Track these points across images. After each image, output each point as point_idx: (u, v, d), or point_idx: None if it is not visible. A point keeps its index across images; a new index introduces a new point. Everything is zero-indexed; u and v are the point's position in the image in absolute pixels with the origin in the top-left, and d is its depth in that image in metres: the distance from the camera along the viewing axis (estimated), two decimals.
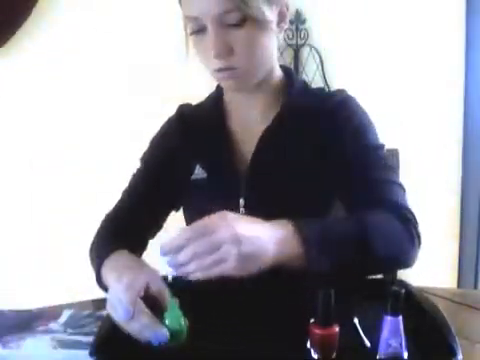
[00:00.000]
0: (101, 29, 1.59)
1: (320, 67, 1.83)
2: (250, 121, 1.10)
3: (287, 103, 1.07)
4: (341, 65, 1.69)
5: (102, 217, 1.07)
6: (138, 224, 1.08)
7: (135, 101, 1.63)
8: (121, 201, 1.11)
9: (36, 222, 1.64)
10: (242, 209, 1.05)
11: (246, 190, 1.05)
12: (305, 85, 1.13)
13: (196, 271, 0.78)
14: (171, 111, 1.17)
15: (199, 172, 1.08)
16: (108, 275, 0.89)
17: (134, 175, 1.14)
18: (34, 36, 1.54)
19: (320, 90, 1.15)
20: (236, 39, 0.96)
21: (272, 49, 1.03)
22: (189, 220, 1.14)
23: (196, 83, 1.37)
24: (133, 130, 1.61)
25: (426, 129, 1.86)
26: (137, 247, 1.03)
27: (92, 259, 1.01)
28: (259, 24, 0.97)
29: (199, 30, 0.97)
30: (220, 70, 0.99)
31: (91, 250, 1.03)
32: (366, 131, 1.07)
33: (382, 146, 1.07)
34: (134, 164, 1.12)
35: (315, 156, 1.05)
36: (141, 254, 1.06)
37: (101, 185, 1.63)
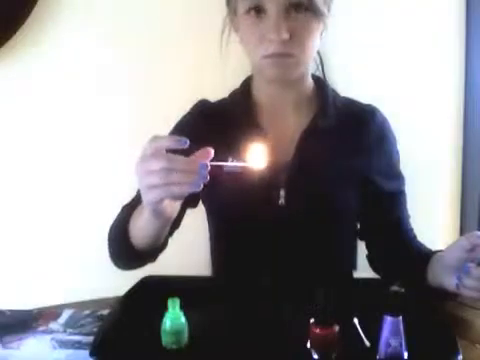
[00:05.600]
0: (102, 29, 1.58)
1: (320, 68, 1.83)
2: (282, 116, 1.11)
3: (326, 103, 1.10)
4: (341, 66, 1.68)
5: (104, 218, 1.06)
6: None
7: (136, 102, 1.63)
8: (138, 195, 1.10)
9: (36, 222, 1.64)
10: (282, 200, 1.06)
11: (287, 181, 1.06)
12: (335, 92, 1.17)
13: None
14: (173, 114, 1.16)
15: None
16: (136, 214, 0.94)
17: None
18: (34, 37, 1.54)
19: (352, 99, 1.18)
20: (295, 26, 0.97)
21: (317, 45, 1.05)
22: (218, 211, 1.14)
23: (202, 87, 1.37)
24: (134, 132, 1.61)
25: (426, 129, 1.86)
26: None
27: (113, 233, 1.02)
28: (318, 15, 0.98)
29: (256, 11, 0.97)
30: (272, 55, 0.98)
31: (111, 229, 1.04)
32: (399, 161, 1.17)
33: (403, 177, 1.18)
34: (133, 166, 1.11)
35: (352, 159, 1.09)
36: (159, 253, 1.05)
37: (102, 186, 1.63)
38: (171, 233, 1.09)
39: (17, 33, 1.50)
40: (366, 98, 1.19)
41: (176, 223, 1.10)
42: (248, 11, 0.99)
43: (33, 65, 1.57)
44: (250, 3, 0.98)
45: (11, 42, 1.51)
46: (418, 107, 1.83)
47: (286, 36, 0.95)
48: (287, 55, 0.99)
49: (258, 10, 0.97)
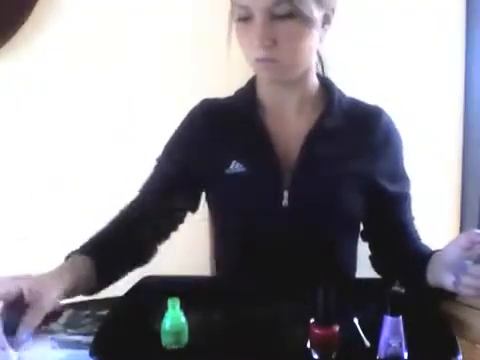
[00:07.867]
0: (102, 29, 1.59)
1: (320, 67, 1.83)
2: (287, 116, 1.11)
3: (331, 104, 1.10)
4: (341, 66, 1.68)
5: (104, 218, 1.06)
6: (156, 216, 1.08)
7: (137, 101, 1.63)
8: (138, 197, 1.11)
9: (36, 221, 1.64)
10: (286, 201, 1.06)
11: (291, 183, 1.07)
12: (342, 92, 1.16)
13: None
14: (176, 114, 1.16)
15: (236, 166, 1.08)
16: None
17: (154, 170, 1.13)
18: (34, 37, 1.54)
19: (358, 100, 1.17)
20: (281, 32, 0.98)
21: (313, 48, 1.05)
22: (221, 213, 1.15)
23: (206, 86, 1.36)
24: (135, 132, 1.61)
25: (426, 129, 1.86)
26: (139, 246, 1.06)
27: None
28: (305, 21, 0.99)
29: (246, 18, 0.99)
30: (261, 60, 1.00)
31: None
32: (404, 163, 1.17)
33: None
34: (136, 166, 1.11)
35: (357, 161, 1.09)
36: (149, 257, 1.08)
37: (101, 186, 1.64)
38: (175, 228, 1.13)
39: (17, 33, 1.51)
40: (365, 98, 1.18)
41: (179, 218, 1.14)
42: (240, 19, 1.01)
43: (33, 65, 1.57)
44: (241, 12, 1.00)
45: (11, 42, 1.51)
46: (417, 107, 1.83)
47: (267, 43, 0.98)
48: (272, 60, 1.00)
49: (249, 17, 0.99)
